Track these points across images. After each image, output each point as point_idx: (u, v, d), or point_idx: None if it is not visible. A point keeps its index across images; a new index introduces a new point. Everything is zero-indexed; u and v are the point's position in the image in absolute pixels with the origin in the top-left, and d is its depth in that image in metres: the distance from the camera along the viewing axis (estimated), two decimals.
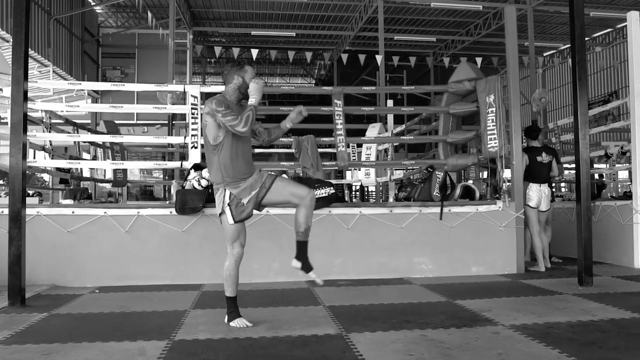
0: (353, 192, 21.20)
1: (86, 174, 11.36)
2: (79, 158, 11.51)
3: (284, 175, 5.14)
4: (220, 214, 4.89)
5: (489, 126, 8.06)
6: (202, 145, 8.11)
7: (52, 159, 9.77)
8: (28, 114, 6.39)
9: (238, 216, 4.82)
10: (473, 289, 6.61)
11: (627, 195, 8.88)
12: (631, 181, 8.61)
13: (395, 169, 12.28)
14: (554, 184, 10.30)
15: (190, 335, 4.50)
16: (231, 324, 4.80)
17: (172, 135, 16.79)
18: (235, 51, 23.64)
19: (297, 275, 7.23)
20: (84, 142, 11.36)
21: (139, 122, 26.36)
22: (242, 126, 4.61)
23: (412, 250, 7.70)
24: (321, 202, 7.46)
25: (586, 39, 22.34)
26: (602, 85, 28.00)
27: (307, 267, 4.94)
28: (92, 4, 25.13)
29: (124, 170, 11.62)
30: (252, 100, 4.74)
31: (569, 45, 6.80)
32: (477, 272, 7.72)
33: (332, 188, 7.69)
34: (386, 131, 12.31)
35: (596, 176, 13.67)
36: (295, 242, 4.94)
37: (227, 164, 4.78)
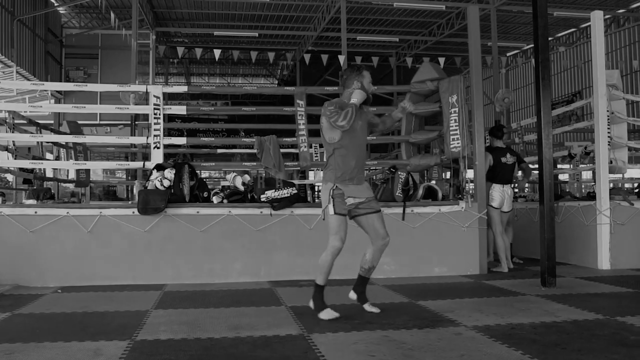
0: (315, 192, 21.20)
1: (49, 174, 11.24)
2: (42, 158, 11.38)
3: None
4: (324, 209, 5.16)
5: (452, 126, 8.11)
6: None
7: (15, 159, 9.64)
8: None
9: (339, 209, 5.07)
10: (435, 289, 6.65)
11: (591, 196, 8.96)
12: (595, 182, 8.69)
13: None
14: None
15: (152, 335, 4.47)
16: (320, 315, 5.01)
17: (134, 135, 16.66)
18: (198, 51, 23.53)
19: (259, 275, 7.30)
20: (47, 142, 11.26)
21: (102, 122, 26.14)
22: (340, 120, 4.96)
23: None
24: (283, 203, 7.48)
25: (550, 38, 22.67)
26: (565, 85, 28.38)
27: (362, 300, 5.45)
28: (56, 4, 24.78)
29: (87, 171, 11.52)
30: (353, 100, 5.11)
31: (532, 45, 6.83)
32: (439, 273, 7.76)
33: (294, 188, 7.71)
34: None
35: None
36: (357, 274, 5.48)
37: (340, 163, 5.13)
